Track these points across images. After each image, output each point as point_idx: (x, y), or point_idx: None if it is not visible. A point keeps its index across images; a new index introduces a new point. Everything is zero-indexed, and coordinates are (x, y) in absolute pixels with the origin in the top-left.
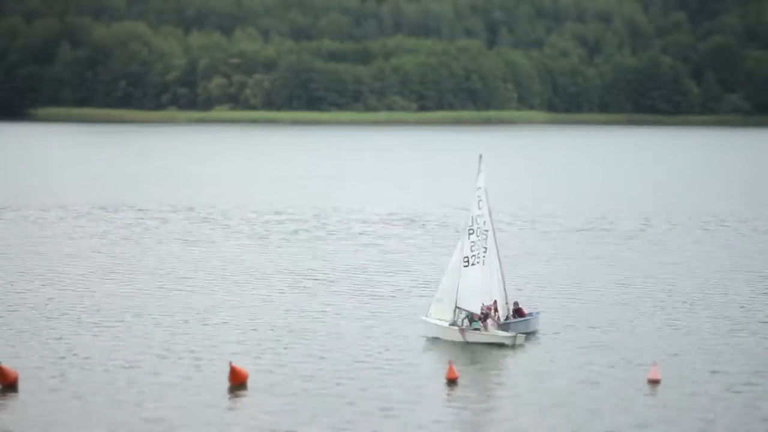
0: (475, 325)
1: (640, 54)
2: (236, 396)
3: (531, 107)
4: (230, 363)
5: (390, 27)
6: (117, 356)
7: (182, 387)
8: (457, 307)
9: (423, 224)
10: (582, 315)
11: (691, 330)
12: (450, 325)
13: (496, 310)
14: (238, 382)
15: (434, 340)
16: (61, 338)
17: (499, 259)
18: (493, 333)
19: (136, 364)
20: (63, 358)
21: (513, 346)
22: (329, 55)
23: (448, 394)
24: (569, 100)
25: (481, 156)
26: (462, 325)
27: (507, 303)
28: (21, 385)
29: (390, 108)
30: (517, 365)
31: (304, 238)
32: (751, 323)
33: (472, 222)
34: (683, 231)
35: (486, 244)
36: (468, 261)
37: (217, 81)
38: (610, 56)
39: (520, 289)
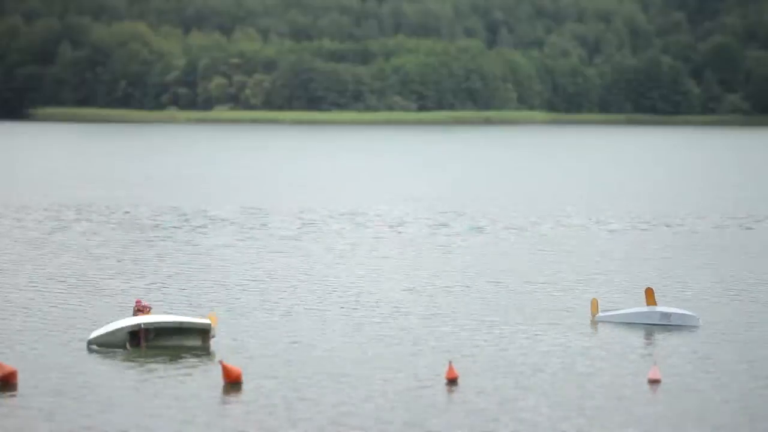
0: None
1: (640, 54)
2: (230, 394)
3: (531, 107)
4: (221, 361)
5: (390, 27)
6: (114, 356)
7: (177, 386)
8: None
9: (418, 224)
10: (572, 315)
11: (692, 329)
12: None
13: None
14: (231, 381)
15: (441, 337)
16: (61, 338)
17: None
18: None
19: (135, 365)
20: (63, 357)
21: None
22: (329, 55)
23: (448, 394)
24: (569, 100)
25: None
26: None
27: None
28: (19, 383)
29: (390, 108)
30: (517, 365)
31: (303, 236)
32: (752, 322)
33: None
34: (680, 230)
35: None
36: None
37: (217, 81)
38: (610, 56)
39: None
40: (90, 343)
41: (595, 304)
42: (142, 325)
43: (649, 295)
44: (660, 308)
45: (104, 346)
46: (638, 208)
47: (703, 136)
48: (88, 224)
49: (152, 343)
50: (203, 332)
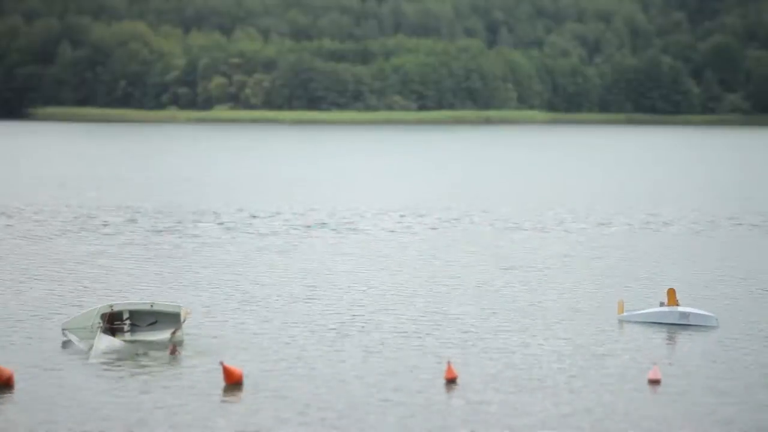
0: None
1: (640, 54)
2: (231, 396)
3: (531, 107)
4: (221, 363)
5: (390, 27)
6: (114, 356)
7: (177, 388)
8: None
9: (421, 220)
10: (581, 314)
11: (709, 329)
12: None
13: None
14: (232, 382)
15: (434, 337)
16: (52, 336)
17: None
18: None
19: (135, 365)
20: (57, 356)
21: None
22: (329, 55)
23: (447, 394)
24: (569, 99)
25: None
26: None
27: None
28: (17, 384)
29: (390, 108)
30: (516, 365)
31: (302, 236)
32: (754, 323)
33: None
34: (679, 230)
35: None
36: None
37: (217, 81)
38: (610, 56)
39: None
40: (64, 328)
41: (621, 305)
42: (114, 306)
43: (671, 296)
44: (679, 308)
45: (78, 329)
46: (644, 209)
47: (703, 136)
48: (79, 223)
49: (124, 325)
50: (174, 317)
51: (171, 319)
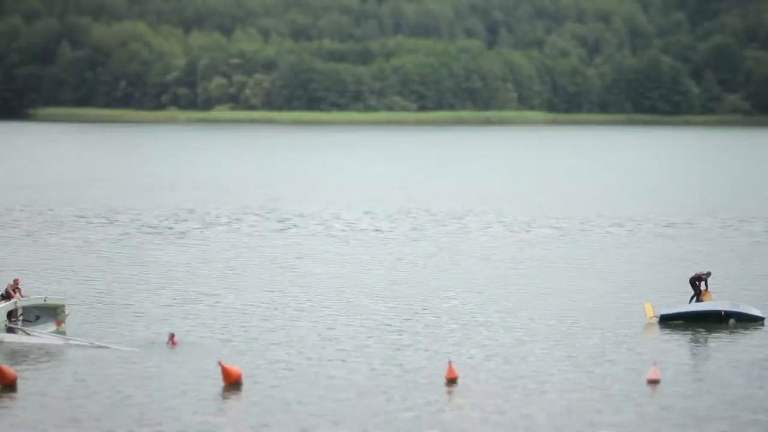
0: None
1: (640, 54)
2: (230, 396)
3: (531, 107)
4: (219, 362)
5: (390, 27)
6: (109, 355)
7: (175, 387)
8: None
9: (416, 221)
10: (572, 316)
11: (690, 329)
12: None
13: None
14: (231, 382)
15: (434, 337)
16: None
17: None
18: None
19: (130, 364)
20: (57, 358)
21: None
22: (329, 55)
23: (448, 394)
24: (569, 100)
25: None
26: None
27: None
28: (20, 386)
29: (390, 108)
30: (516, 365)
31: (301, 236)
32: (755, 323)
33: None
34: (680, 231)
35: None
36: None
37: (217, 81)
38: (610, 56)
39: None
40: None
41: (649, 308)
42: (17, 303)
43: (705, 292)
44: (725, 304)
45: None
46: (649, 210)
47: (703, 136)
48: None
49: (18, 321)
50: (58, 310)
51: (55, 312)
